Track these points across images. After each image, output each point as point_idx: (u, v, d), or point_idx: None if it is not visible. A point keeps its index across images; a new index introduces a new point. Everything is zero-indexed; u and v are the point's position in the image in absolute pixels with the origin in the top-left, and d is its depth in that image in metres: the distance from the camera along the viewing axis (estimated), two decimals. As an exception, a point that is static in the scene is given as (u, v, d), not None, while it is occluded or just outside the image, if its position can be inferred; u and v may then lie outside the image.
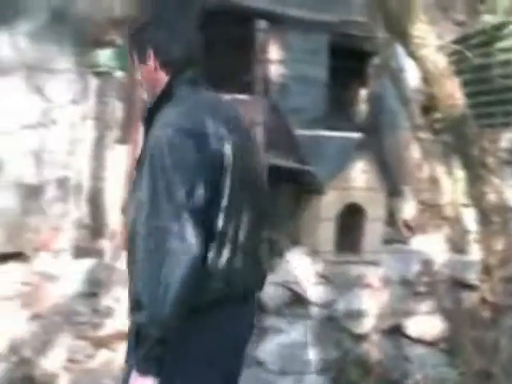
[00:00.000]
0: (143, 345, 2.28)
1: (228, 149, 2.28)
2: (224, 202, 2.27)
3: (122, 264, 5.95)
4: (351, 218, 6.12)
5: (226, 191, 2.27)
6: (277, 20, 6.28)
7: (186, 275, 2.20)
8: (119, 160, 6.35)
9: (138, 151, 6.15)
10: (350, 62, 7.00)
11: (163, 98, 2.40)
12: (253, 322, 2.68)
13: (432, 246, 6.41)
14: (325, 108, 7.55)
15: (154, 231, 2.25)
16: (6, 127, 6.61)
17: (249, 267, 2.43)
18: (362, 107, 7.65)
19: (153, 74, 2.43)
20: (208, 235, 2.26)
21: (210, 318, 2.41)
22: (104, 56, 6.75)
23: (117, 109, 6.59)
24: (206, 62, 7.14)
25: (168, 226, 2.20)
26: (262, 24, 5.37)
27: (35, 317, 5.72)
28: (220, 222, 2.29)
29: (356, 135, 6.45)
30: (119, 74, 6.61)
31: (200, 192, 2.20)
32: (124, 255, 6.00)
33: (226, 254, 2.31)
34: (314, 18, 7.50)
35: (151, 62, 2.42)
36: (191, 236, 2.18)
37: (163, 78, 2.43)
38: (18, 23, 6.77)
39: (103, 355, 5.25)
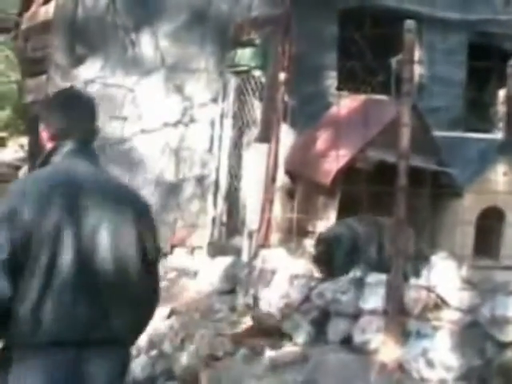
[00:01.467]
0: None
1: (39, 217, 2.60)
2: (31, 259, 2.58)
3: (260, 262, 5.99)
4: (490, 222, 5.96)
5: (36, 252, 2.58)
6: (418, 20, 6.18)
7: None
8: (257, 159, 6.38)
9: (279, 150, 6.23)
10: (488, 61, 6.83)
11: (42, 164, 2.82)
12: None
13: None
14: (463, 109, 7.45)
15: None
16: (148, 126, 6.77)
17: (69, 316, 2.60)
18: (500, 108, 7.47)
19: (45, 143, 2.86)
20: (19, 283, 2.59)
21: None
22: (243, 55, 6.80)
23: (255, 108, 6.65)
24: (339, 62, 7.09)
25: None
26: (409, 24, 5.28)
27: (173, 312, 5.82)
28: (26, 274, 2.58)
29: (496, 137, 6.29)
30: (258, 73, 6.65)
31: (4, 246, 2.56)
32: (262, 253, 6.07)
33: (29, 301, 2.57)
34: (455, 17, 7.39)
35: (43, 134, 2.87)
36: (2, 279, 2.54)
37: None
38: (160, 24, 6.92)
39: (242, 353, 5.28)
